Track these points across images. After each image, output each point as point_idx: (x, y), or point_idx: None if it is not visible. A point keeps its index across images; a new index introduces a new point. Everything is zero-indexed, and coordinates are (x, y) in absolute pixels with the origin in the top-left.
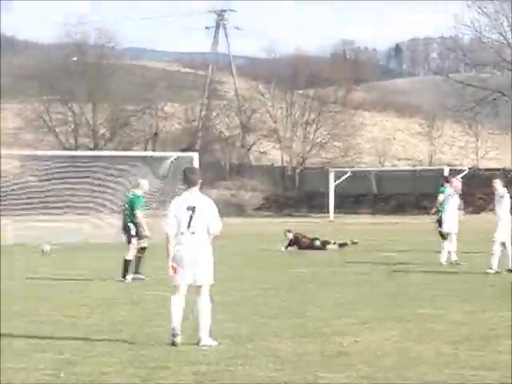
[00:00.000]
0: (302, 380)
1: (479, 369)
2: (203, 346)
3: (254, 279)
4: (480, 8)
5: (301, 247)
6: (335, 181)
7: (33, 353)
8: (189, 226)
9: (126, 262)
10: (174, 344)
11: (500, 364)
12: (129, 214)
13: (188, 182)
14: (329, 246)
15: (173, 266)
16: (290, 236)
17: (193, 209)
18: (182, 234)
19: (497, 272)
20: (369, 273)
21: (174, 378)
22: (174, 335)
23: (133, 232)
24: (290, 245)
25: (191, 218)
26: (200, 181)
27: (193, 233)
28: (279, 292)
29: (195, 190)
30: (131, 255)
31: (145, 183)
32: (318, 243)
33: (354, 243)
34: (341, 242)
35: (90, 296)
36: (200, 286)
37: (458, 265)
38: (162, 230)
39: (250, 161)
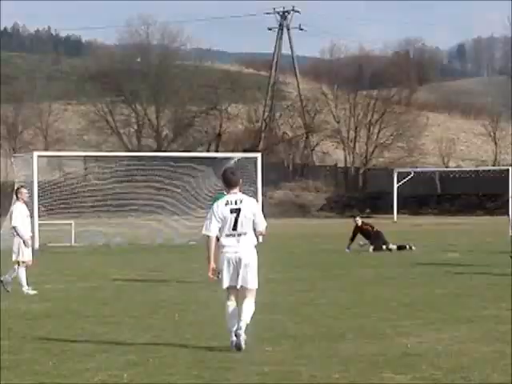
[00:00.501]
0: (366, 381)
1: None
2: (237, 343)
3: (317, 279)
4: None
5: (366, 236)
6: (399, 181)
7: (97, 353)
8: (234, 228)
9: None
10: (237, 347)
11: None
12: None
13: (228, 184)
14: (391, 247)
15: (213, 270)
16: (359, 222)
17: (237, 211)
18: (227, 236)
19: None
20: (433, 273)
21: (238, 378)
22: (236, 335)
23: None
24: (355, 235)
25: (236, 220)
26: (241, 181)
27: (239, 235)
28: (342, 293)
29: (236, 191)
30: None
31: None
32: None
33: (411, 248)
34: (400, 244)
35: (154, 297)
36: (246, 289)
37: None
38: (203, 234)
39: (314, 161)
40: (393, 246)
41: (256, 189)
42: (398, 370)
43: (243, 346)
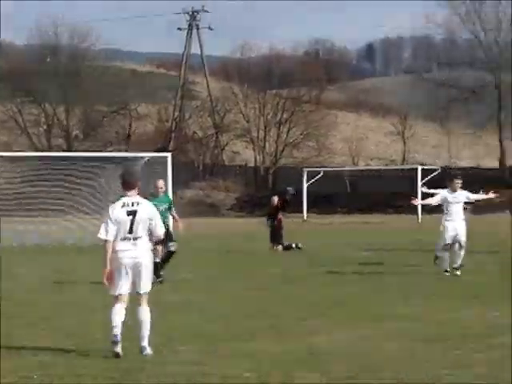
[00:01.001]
0: (278, 380)
1: (454, 368)
2: (146, 355)
3: (229, 279)
4: (452, 8)
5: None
6: (308, 180)
7: (7, 355)
8: (130, 231)
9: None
10: (116, 355)
11: (475, 363)
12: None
13: (126, 186)
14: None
15: (108, 275)
16: (275, 201)
17: (133, 213)
18: (122, 240)
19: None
20: (343, 272)
21: (150, 379)
22: (114, 343)
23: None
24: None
25: (132, 223)
26: (139, 183)
27: (135, 238)
28: (253, 292)
29: (134, 193)
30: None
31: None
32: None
33: (298, 248)
34: (287, 244)
35: (64, 298)
36: (141, 294)
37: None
38: (98, 237)
39: (224, 161)
40: (279, 247)
41: (166, 189)
42: (310, 369)
43: (148, 353)
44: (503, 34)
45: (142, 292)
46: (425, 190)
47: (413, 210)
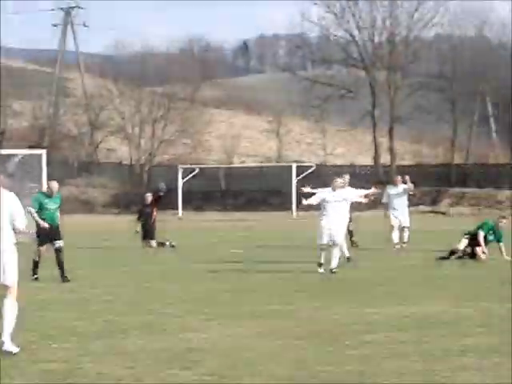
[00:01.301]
0: (153, 377)
1: (328, 364)
2: (5, 351)
3: (102, 276)
4: (327, 6)
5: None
6: (183, 178)
7: None
8: None
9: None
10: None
11: (348, 359)
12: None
13: None
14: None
15: None
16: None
17: None
18: None
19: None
20: (217, 270)
21: (23, 377)
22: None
23: None
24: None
25: None
26: (1, 176)
27: None
28: (127, 289)
29: None
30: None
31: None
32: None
33: (172, 246)
34: (161, 241)
35: None
36: (8, 287)
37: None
38: None
39: (98, 158)
40: (153, 243)
41: (41, 186)
42: (184, 366)
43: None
44: (377, 33)
45: (6, 283)
46: (307, 190)
47: (287, 207)
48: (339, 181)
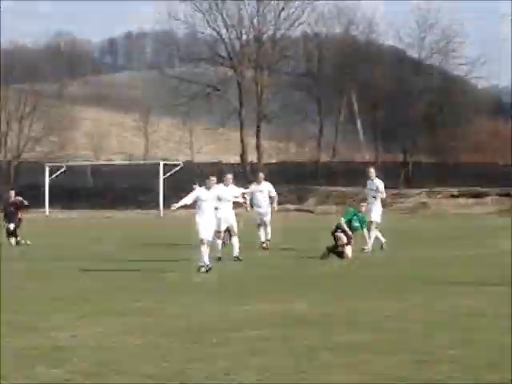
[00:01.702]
0: (19, 376)
1: (194, 361)
2: None
3: None
4: (195, 4)
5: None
6: (51, 175)
7: None
8: None
9: None
10: None
11: (214, 356)
12: None
13: None
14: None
15: None
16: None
17: None
18: None
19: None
20: (88, 268)
21: None
22: None
23: None
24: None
25: None
26: None
27: None
28: None
29: None
30: None
31: None
32: None
33: (27, 244)
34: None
35: None
36: None
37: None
38: None
39: None
40: (12, 241)
41: None
42: (51, 364)
43: None
44: (245, 31)
45: None
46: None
47: (155, 204)
48: (213, 179)
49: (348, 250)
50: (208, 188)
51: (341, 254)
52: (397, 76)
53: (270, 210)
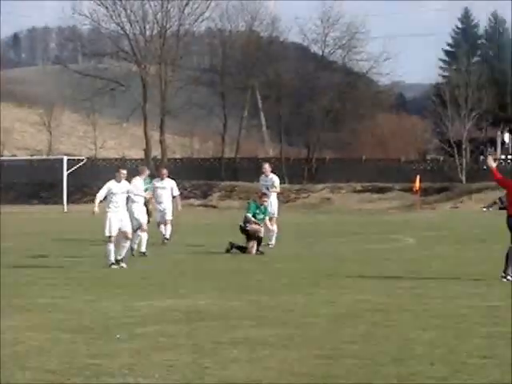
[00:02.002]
0: None
1: (98, 357)
2: None
3: None
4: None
5: None
6: None
7: None
8: None
9: None
10: None
11: (118, 352)
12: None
13: None
14: None
15: None
16: None
17: None
18: None
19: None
20: None
21: None
22: None
23: None
24: None
25: None
26: None
27: None
28: None
29: None
30: None
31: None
32: None
33: None
34: None
35: None
36: None
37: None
38: None
39: None
40: None
41: None
42: None
43: None
44: (149, 26)
45: None
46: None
47: (59, 199)
48: (123, 172)
49: (253, 245)
50: (119, 181)
51: (243, 249)
52: (300, 72)
53: (171, 207)
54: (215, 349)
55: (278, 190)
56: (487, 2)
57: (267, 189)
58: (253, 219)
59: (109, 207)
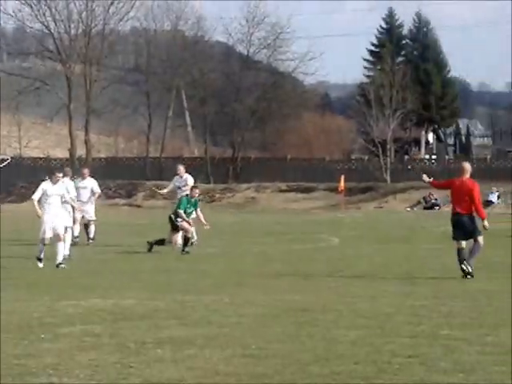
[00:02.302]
0: None
1: (23, 357)
2: None
3: None
4: None
5: None
6: None
7: None
8: None
9: None
10: None
11: (43, 352)
12: None
13: None
14: None
15: None
16: None
17: None
18: None
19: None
20: None
21: None
22: None
23: None
24: None
25: None
26: None
27: None
28: None
29: None
30: None
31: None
32: None
33: None
34: None
35: None
36: None
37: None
38: None
39: None
40: None
41: None
42: None
43: None
44: (74, 26)
45: None
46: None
47: None
48: (59, 175)
49: (176, 238)
50: (54, 182)
51: (162, 241)
52: (225, 71)
53: (93, 207)
54: (140, 348)
55: (97, 189)
56: (412, 2)
57: (179, 188)
58: (184, 216)
59: (43, 209)
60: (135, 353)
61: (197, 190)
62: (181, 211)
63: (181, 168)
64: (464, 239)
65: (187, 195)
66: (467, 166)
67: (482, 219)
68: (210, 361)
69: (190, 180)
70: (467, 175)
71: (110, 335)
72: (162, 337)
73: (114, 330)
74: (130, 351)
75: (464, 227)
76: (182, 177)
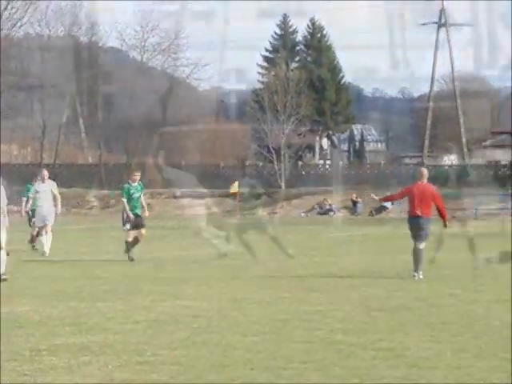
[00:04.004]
0: None
1: None
2: None
3: None
4: None
5: None
6: None
7: None
8: None
9: None
10: None
11: None
12: None
13: None
14: None
15: None
16: None
17: None
18: None
19: None
20: None
21: None
22: None
23: None
24: None
25: None
26: None
27: None
28: None
29: None
30: None
31: None
32: None
33: None
34: None
35: None
36: None
37: None
38: None
39: None
40: None
41: None
42: None
43: None
44: None
45: None
46: None
47: None
48: (46, 172)
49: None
50: (43, 180)
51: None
52: (119, 77)
53: (53, 211)
54: (34, 356)
55: (56, 193)
56: (306, 8)
57: (37, 192)
58: (132, 216)
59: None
60: (30, 360)
61: (137, 173)
62: (125, 202)
63: (45, 172)
64: (422, 241)
65: (128, 182)
66: (425, 171)
67: (445, 220)
68: (106, 368)
69: (54, 185)
70: (425, 180)
71: (5, 343)
72: (56, 344)
73: (9, 338)
74: (24, 359)
75: (423, 229)
76: (44, 182)
